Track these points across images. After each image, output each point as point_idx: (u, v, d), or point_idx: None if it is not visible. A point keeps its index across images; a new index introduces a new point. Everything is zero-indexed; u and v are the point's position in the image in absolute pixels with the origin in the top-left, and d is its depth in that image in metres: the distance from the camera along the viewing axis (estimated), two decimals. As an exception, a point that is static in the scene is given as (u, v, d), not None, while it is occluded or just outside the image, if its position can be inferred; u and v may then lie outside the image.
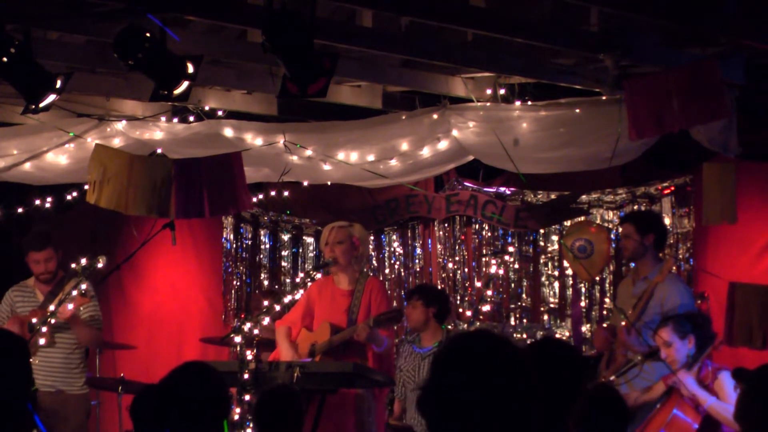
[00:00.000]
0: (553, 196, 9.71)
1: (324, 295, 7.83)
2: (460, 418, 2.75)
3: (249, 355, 7.13)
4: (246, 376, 7.00)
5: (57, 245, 8.15)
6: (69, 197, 9.03)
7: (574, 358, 4.04)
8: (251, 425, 7.40)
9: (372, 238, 9.78)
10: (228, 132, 8.44)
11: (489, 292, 9.34)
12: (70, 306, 7.83)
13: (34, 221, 9.38)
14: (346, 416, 7.54)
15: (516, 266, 9.87)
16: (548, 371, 3.57)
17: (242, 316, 10.14)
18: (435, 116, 8.07)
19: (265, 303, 8.59)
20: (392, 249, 10.32)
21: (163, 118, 8.54)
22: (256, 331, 7.53)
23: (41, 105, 6.88)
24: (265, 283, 10.58)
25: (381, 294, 7.78)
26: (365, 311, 7.67)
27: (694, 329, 6.85)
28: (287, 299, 8.03)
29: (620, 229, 8.16)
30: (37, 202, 9.29)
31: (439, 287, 9.94)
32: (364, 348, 7.58)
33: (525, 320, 9.77)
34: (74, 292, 7.82)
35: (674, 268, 8.77)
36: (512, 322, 9.74)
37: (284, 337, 7.80)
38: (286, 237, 10.66)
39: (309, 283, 7.98)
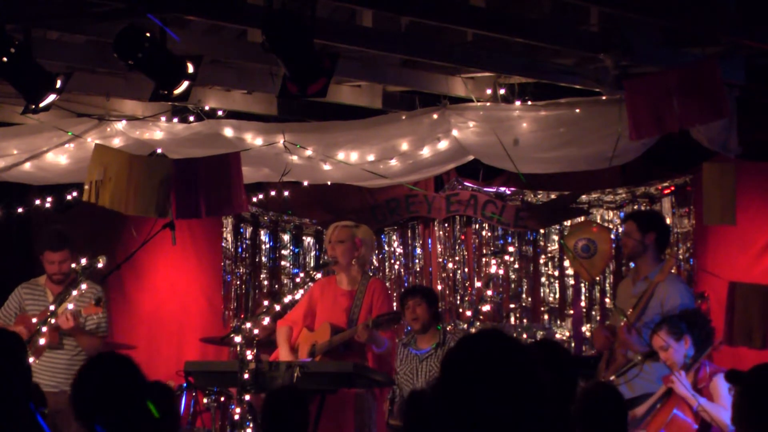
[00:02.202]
0: (553, 196, 9.71)
1: (326, 295, 7.82)
2: (472, 417, 2.74)
3: (249, 355, 7.13)
4: (246, 376, 7.00)
5: (73, 247, 8.14)
6: (69, 197, 9.02)
7: (568, 360, 4.05)
8: (251, 425, 7.41)
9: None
10: (228, 132, 8.43)
11: (489, 292, 9.35)
12: (71, 306, 7.83)
13: (46, 221, 9.36)
14: (346, 416, 7.54)
15: (516, 266, 9.87)
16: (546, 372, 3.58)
17: (242, 316, 10.15)
18: (435, 116, 8.07)
19: (266, 303, 8.61)
20: (392, 249, 10.32)
21: (163, 118, 8.54)
22: (256, 331, 7.53)
23: (41, 105, 6.89)
24: (265, 283, 10.58)
25: (383, 295, 7.76)
26: (366, 312, 7.65)
27: (690, 328, 6.84)
28: (287, 299, 8.03)
29: (621, 228, 8.16)
30: (37, 202, 9.29)
31: (439, 287, 9.95)
32: (363, 348, 7.57)
33: (525, 320, 9.77)
34: (74, 292, 7.82)
35: (674, 268, 8.78)
36: (512, 322, 9.74)
37: (284, 340, 7.78)
38: (286, 237, 10.66)
39: (309, 283, 7.97)
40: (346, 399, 7.49)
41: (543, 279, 9.82)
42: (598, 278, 9.43)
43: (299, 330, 7.81)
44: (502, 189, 9.84)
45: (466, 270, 10.03)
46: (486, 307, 8.98)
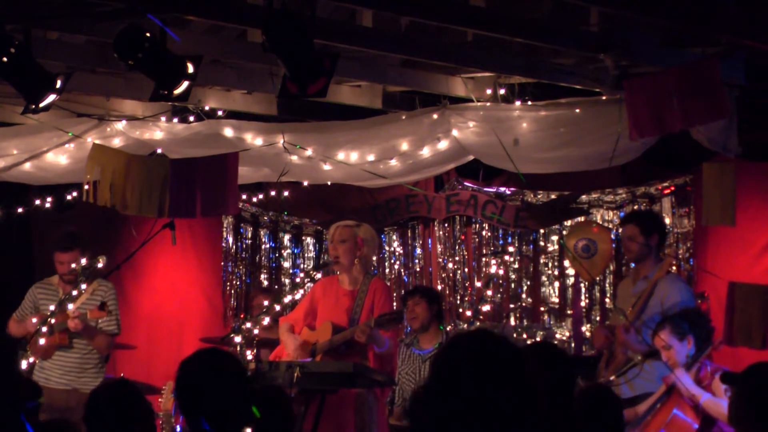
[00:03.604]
0: (553, 196, 9.71)
1: (328, 295, 7.80)
2: (462, 417, 2.75)
3: (249, 355, 7.12)
4: (246, 376, 6.99)
5: (84, 247, 8.16)
6: (69, 197, 9.03)
7: (565, 362, 4.06)
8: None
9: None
10: (228, 132, 8.43)
11: (489, 292, 9.35)
12: (71, 306, 7.84)
13: (46, 221, 9.36)
14: (346, 416, 7.53)
15: (516, 266, 9.87)
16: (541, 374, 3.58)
17: (242, 316, 10.15)
18: (435, 116, 8.07)
19: (265, 303, 8.60)
20: (392, 249, 10.32)
21: (163, 118, 8.54)
22: (256, 331, 7.52)
23: (41, 105, 6.88)
24: (265, 283, 10.58)
25: (384, 295, 7.74)
26: (368, 312, 7.64)
27: (692, 328, 6.84)
28: (287, 299, 8.03)
29: (621, 231, 8.10)
30: (37, 202, 9.30)
31: (439, 287, 9.95)
32: (365, 348, 7.56)
33: (525, 320, 9.77)
34: (74, 292, 7.83)
35: (674, 267, 8.78)
36: (512, 322, 9.74)
37: (286, 331, 7.77)
38: (286, 237, 10.66)
39: (309, 284, 7.96)
40: (347, 399, 7.49)
41: (543, 279, 9.82)
42: (598, 278, 9.43)
43: (300, 329, 7.80)
44: (502, 189, 9.85)
45: (466, 270, 10.03)
46: (486, 307, 8.99)
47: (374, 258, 8.28)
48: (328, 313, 7.74)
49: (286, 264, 10.67)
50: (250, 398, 3.97)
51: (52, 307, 7.96)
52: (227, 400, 3.90)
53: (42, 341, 7.89)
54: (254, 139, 8.41)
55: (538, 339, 9.35)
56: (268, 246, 10.66)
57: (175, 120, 8.60)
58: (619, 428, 4.84)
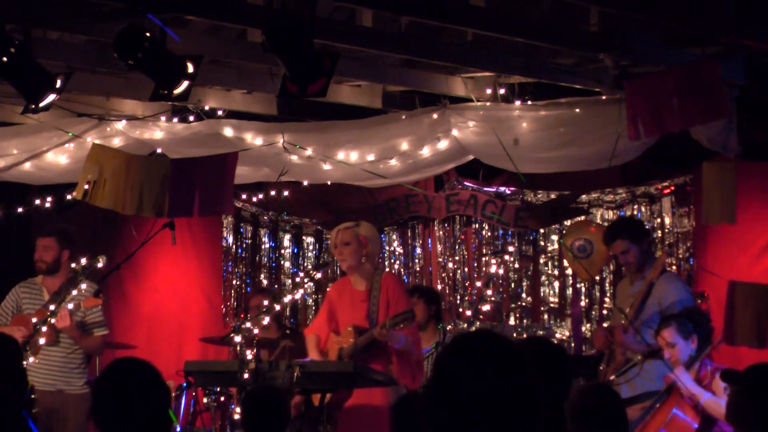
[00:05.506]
0: (553, 196, 9.72)
1: (343, 298, 7.73)
2: (463, 417, 2.75)
3: (249, 355, 7.12)
4: (246, 376, 6.99)
5: (66, 242, 8.10)
6: (69, 197, 9.02)
7: (561, 359, 4.06)
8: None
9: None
10: (228, 132, 8.43)
11: (489, 292, 9.35)
12: (70, 305, 7.83)
13: (46, 221, 9.37)
14: (381, 410, 7.48)
15: (516, 266, 9.88)
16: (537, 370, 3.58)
17: (242, 316, 10.15)
18: (435, 116, 8.07)
19: (265, 303, 8.60)
20: (392, 249, 10.32)
21: (163, 118, 8.54)
22: (256, 331, 7.52)
23: (41, 105, 6.89)
24: (265, 282, 10.58)
25: (398, 290, 7.64)
26: (384, 309, 7.54)
27: (696, 328, 6.85)
28: (287, 299, 8.01)
29: (611, 249, 7.81)
30: (37, 202, 9.30)
31: (439, 287, 9.95)
32: (387, 350, 7.50)
33: (525, 320, 9.77)
34: (74, 292, 7.81)
35: (674, 267, 8.78)
36: (512, 322, 9.75)
37: (314, 347, 7.71)
38: (286, 237, 10.66)
39: (309, 283, 7.94)
40: (381, 393, 7.43)
41: (543, 279, 9.83)
42: (597, 278, 9.44)
43: (326, 336, 7.74)
44: (502, 189, 9.85)
45: (466, 270, 10.03)
46: (486, 307, 8.99)
47: (380, 251, 8.20)
48: (347, 316, 7.65)
49: (286, 264, 10.67)
50: (166, 404, 3.83)
51: (52, 308, 7.94)
52: (143, 411, 3.76)
53: (42, 341, 7.88)
54: (254, 139, 8.41)
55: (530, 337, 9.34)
56: (268, 246, 10.66)
57: (175, 120, 8.60)
58: (622, 428, 4.83)
